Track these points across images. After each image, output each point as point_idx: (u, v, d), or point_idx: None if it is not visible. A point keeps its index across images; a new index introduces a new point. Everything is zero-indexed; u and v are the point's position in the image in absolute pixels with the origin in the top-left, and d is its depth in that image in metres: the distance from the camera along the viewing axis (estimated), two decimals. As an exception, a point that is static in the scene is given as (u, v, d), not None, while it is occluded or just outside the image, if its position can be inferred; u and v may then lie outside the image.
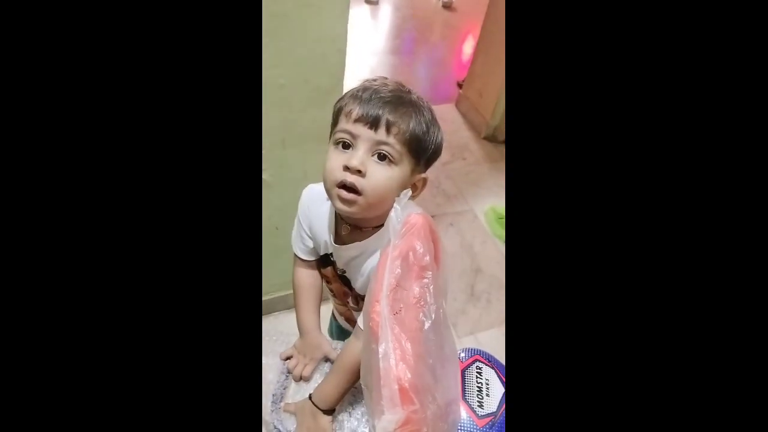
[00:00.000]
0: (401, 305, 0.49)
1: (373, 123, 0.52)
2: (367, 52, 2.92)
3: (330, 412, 0.64)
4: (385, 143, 0.53)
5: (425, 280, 0.52)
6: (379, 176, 0.53)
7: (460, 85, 2.55)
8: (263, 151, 0.98)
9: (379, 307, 0.48)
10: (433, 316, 0.51)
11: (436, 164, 0.65)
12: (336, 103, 0.58)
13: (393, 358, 0.44)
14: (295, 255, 0.73)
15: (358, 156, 0.53)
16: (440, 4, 3.71)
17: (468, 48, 3.21)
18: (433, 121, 0.57)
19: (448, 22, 3.57)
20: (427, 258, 0.53)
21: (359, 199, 0.53)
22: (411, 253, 0.52)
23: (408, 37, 3.29)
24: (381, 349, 0.44)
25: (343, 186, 0.53)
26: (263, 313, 1.41)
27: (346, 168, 0.53)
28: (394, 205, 0.56)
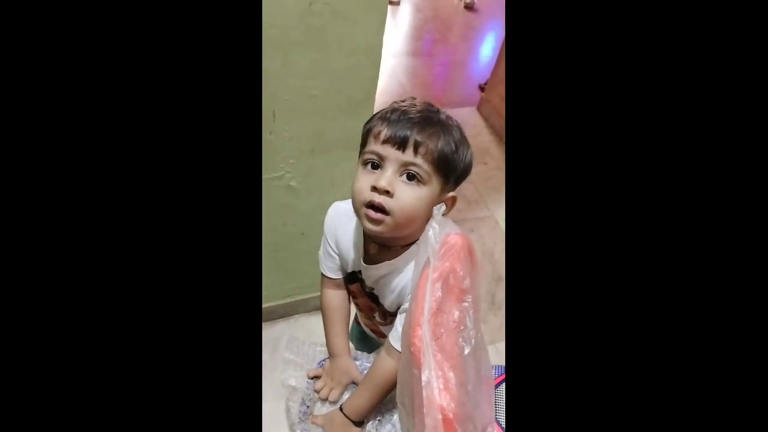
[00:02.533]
0: (442, 330, 0.48)
1: (401, 144, 0.52)
2: (386, 54, 2.92)
3: (360, 423, 0.65)
4: (413, 164, 0.53)
5: (465, 304, 0.51)
6: (407, 196, 0.53)
7: (482, 88, 2.53)
8: (291, 159, 0.99)
9: (421, 332, 0.47)
10: (473, 341, 0.50)
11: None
12: (365, 125, 0.58)
13: (436, 387, 0.43)
14: (323, 275, 0.73)
15: (386, 176, 0.53)
16: (462, 5, 3.69)
17: (489, 50, 3.18)
18: (462, 140, 0.57)
19: (469, 23, 3.54)
20: (467, 281, 0.52)
21: (387, 219, 0.53)
22: (451, 276, 0.52)
23: (428, 39, 3.27)
24: (424, 377, 0.44)
25: (371, 206, 0.53)
26: (284, 315, 1.43)
27: (374, 188, 0.53)
28: (432, 223, 0.56)
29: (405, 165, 0.53)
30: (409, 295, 0.59)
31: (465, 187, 2.08)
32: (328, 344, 0.74)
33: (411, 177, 0.53)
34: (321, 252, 0.72)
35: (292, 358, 0.77)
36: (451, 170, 0.56)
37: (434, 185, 0.55)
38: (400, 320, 0.62)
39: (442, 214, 0.57)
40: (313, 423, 0.67)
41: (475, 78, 2.79)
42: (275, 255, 1.20)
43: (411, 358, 0.48)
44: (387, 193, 0.52)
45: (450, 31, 3.45)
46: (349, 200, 0.62)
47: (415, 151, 0.52)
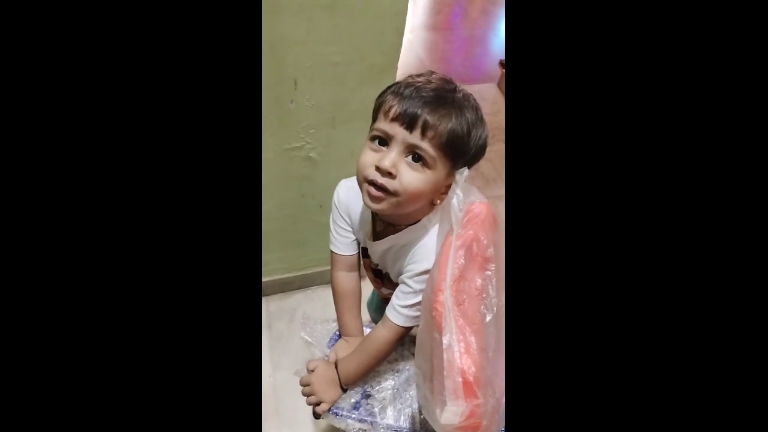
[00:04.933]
0: (464, 296, 0.48)
1: (410, 124, 0.51)
2: (405, 28, 2.84)
3: (344, 389, 0.67)
4: (419, 147, 0.51)
5: (488, 272, 0.51)
6: (410, 179, 0.52)
7: (503, 64, 2.46)
8: (312, 130, 0.98)
9: (443, 298, 0.47)
10: (495, 309, 0.50)
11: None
12: (378, 97, 0.57)
13: (457, 351, 0.44)
14: (334, 255, 0.72)
15: (391, 157, 0.52)
16: (485, -23, 3.55)
17: (512, 25, 3.08)
18: (476, 122, 0.55)
19: (492, -4, 3.42)
20: (491, 250, 0.52)
21: (388, 198, 0.53)
22: (475, 244, 0.51)
23: (448, 13, 3.18)
24: (445, 340, 0.44)
25: (373, 184, 0.53)
26: (301, 287, 1.45)
27: (378, 168, 0.52)
28: (456, 190, 0.55)
29: (411, 147, 0.52)
30: (409, 265, 0.60)
31: (483, 165, 2.04)
32: (340, 324, 0.74)
33: (417, 158, 0.52)
34: (332, 230, 0.71)
35: (310, 340, 0.77)
36: (460, 154, 0.54)
37: (440, 169, 0.53)
38: (396, 294, 0.63)
39: (443, 197, 0.56)
40: (307, 367, 0.69)
41: (496, 53, 2.72)
42: (293, 227, 1.21)
43: (432, 323, 0.48)
44: (390, 174, 0.52)
45: (471, 5, 3.34)
46: (355, 177, 0.61)
47: (423, 133, 0.51)
